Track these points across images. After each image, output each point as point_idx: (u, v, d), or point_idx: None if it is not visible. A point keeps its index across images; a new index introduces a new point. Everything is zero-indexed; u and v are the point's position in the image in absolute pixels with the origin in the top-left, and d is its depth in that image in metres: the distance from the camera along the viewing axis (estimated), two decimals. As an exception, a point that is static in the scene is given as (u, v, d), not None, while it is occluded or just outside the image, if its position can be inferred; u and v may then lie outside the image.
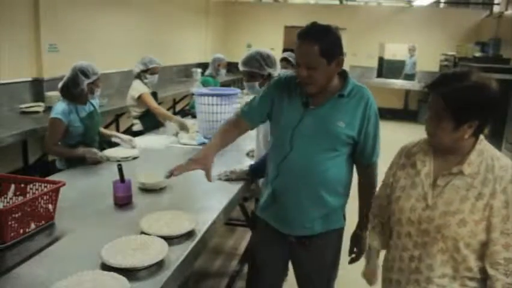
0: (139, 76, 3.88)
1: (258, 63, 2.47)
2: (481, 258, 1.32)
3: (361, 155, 1.77)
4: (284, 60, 4.63)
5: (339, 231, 1.85)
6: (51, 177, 2.24)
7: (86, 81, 2.70)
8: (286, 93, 1.78)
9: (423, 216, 1.38)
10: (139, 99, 3.76)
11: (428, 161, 1.43)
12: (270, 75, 2.47)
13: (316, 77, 1.64)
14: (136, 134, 3.59)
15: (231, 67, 5.90)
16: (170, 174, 1.74)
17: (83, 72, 2.69)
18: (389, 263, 1.54)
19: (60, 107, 2.66)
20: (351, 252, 1.92)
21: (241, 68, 2.54)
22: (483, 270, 1.33)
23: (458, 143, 1.35)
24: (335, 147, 1.70)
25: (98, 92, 2.81)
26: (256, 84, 2.49)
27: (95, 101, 2.94)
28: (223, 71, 5.25)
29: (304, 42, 1.62)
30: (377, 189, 1.72)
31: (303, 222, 1.76)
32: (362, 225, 1.88)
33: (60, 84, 2.73)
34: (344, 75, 1.75)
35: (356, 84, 1.75)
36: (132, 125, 3.96)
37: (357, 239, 1.90)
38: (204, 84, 4.86)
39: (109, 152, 2.71)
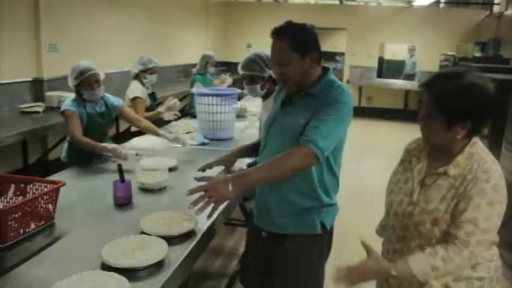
0: (137, 77, 3.87)
1: (258, 65, 2.47)
2: None
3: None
4: None
5: (316, 238, 1.72)
6: (51, 177, 2.24)
7: (71, 82, 2.75)
8: (277, 94, 1.86)
9: (407, 210, 1.39)
10: (133, 101, 3.75)
11: (423, 159, 1.44)
12: (270, 77, 2.47)
13: (289, 73, 1.61)
14: (134, 134, 3.58)
15: (232, 67, 5.90)
16: (203, 170, 1.95)
17: (71, 71, 2.74)
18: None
19: (68, 100, 2.75)
20: None
21: (241, 72, 2.54)
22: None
23: (452, 144, 1.34)
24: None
25: (91, 94, 2.77)
26: (258, 86, 2.50)
27: (114, 101, 2.96)
28: (211, 69, 5.19)
29: (275, 39, 1.63)
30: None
31: (274, 219, 1.74)
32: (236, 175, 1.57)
33: None
34: (324, 73, 1.68)
35: (330, 82, 1.65)
36: (131, 125, 3.95)
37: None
38: (193, 83, 4.83)
39: (133, 142, 2.67)
